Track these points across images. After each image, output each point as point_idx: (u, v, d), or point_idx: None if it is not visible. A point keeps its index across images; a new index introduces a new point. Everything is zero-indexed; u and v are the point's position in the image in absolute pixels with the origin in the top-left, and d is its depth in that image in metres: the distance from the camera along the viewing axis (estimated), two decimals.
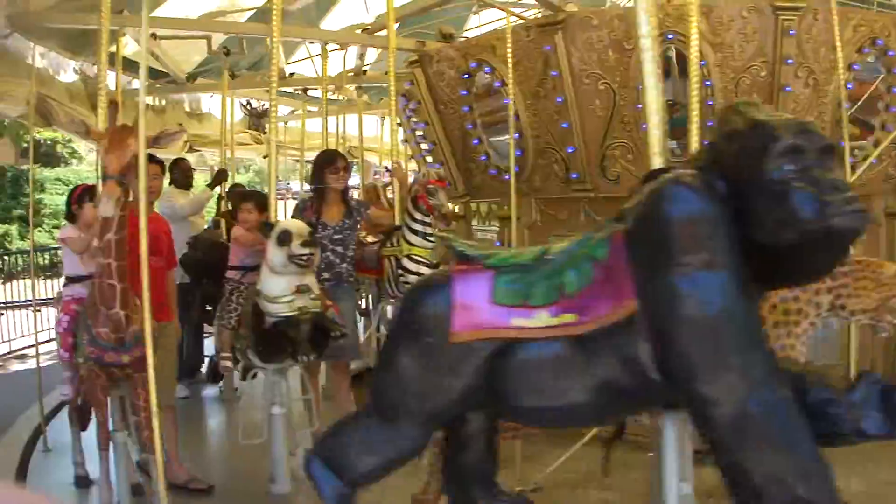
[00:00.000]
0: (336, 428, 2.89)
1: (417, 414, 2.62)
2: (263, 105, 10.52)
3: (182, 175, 6.70)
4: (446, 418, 2.71)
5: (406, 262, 5.14)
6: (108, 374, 3.65)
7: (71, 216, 4.38)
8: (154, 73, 8.42)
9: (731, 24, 4.69)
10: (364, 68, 8.51)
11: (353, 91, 9.76)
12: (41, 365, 6.07)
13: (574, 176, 5.23)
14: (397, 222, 5.43)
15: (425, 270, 4.91)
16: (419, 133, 6.49)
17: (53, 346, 8.37)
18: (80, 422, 4.50)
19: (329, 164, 4.89)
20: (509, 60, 4.98)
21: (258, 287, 4.16)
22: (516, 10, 6.80)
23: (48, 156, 22.71)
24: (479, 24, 9.04)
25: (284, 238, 3.98)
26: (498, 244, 5.62)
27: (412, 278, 4.95)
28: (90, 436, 4.30)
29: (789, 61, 4.70)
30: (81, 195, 4.30)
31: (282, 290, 4.02)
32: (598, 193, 5.18)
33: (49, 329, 9.25)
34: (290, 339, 4.00)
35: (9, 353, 9.36)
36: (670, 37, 4.65)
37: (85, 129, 4.08)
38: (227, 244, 5.47)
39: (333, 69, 8.73)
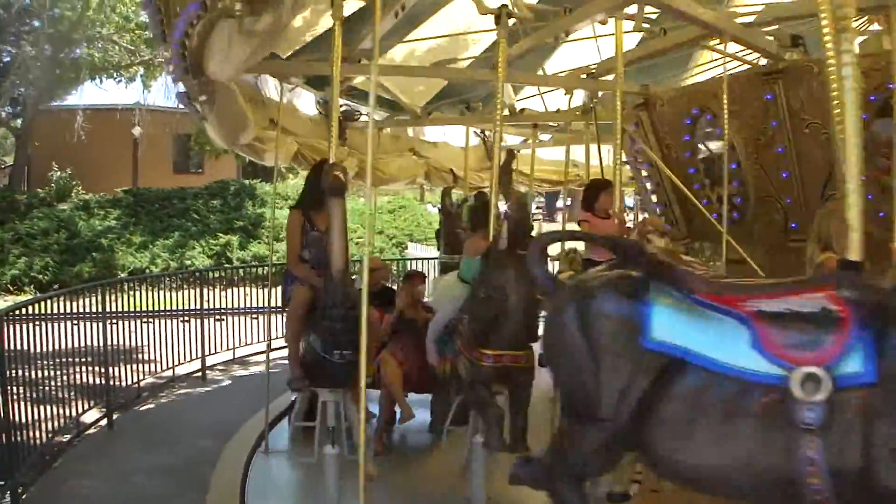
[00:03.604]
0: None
1: None
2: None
3: None
4: None
5: None
6: None
7: None
8: (392, 105, 9.26)
9: None
10: (591, 105, 8.94)
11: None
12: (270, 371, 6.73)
13: (794, 226, 5.24)
14: None
15: None
16: (644, 173, 6.76)
17: (280, 353, 9.58)
18: None
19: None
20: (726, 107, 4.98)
21: None
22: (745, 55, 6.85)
23: (268, 171, 25.24)
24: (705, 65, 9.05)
25: None
26: None
27: None
28: None
29: None
30: None
31: None
32: None
33: (275, 338, 10.48)
34: None
35: (233, 359, 10.52)
36: (892, 86, 4.40)
37: None
38: None
39: (561, 103, 9.27)
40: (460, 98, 9.47)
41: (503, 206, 5.49)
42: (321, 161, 5.46)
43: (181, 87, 5.76)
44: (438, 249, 10.87)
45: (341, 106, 8.47)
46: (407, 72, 8.15)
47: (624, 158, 9.70)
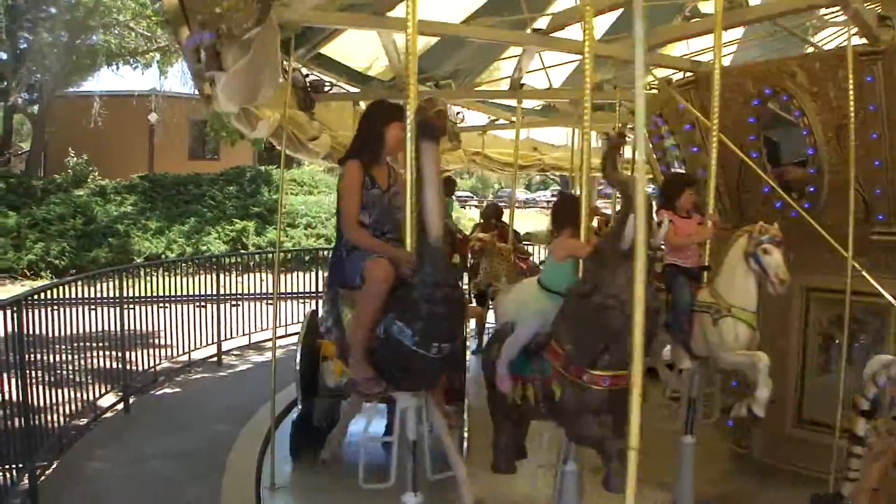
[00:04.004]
0: None
1: None
2: (458, 113, 10.61)
3: None
4: None
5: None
6: None
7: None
8: (363, 78, 8.50)
9: None
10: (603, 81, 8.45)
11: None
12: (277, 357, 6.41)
13: (881, 218, 5.05)
14: None
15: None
16: (676, 157, 6.50)
17: (289, 340, 9.63)
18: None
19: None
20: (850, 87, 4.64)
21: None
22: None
23: (286, 158, 25.24)
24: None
25: None
26: None
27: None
28: None
29: None
30: None
31: None
32: None
33: (290, 324, 10.51)
34: None
35: (248, 344, 10.58)
36: None
37: None
38: None
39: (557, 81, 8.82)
40: (427, 75, 8.61)
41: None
42: (378, 101, 4.51)
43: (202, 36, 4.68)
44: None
45: (306, 75, 7.68)
46: (480, 34, 6.79)
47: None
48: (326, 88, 7.80)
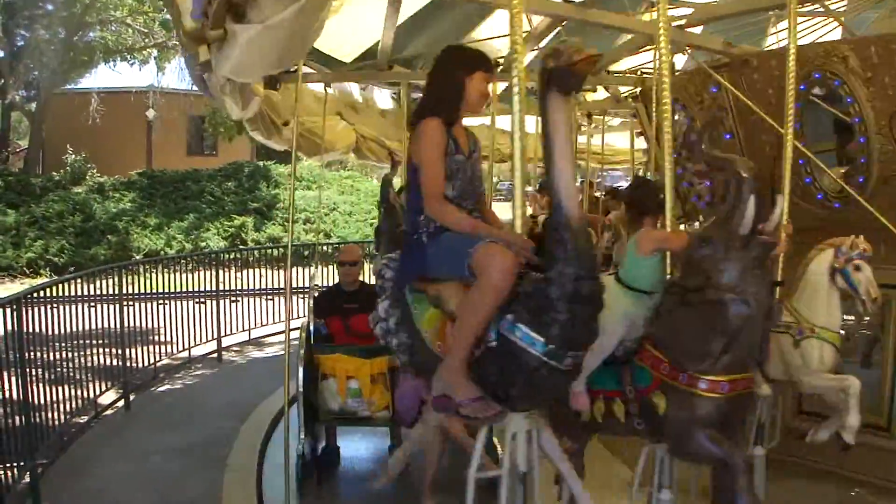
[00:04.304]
0: None
1: None
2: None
3: None
4: None
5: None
6: None
7: None
8: (326, 60, 7.63)
9: None
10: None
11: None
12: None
13: None
14: None
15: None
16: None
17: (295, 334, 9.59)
18: None
19: None
20: None
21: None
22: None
23: (284, 153, 25.23)
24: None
25: None
26: None
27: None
28: None
29: None
30: None
31: None
32: None
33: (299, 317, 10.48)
34: None
35: (248, 340, 10.59)
36: None
37: None
38: None
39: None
40: (391, 59, 7.71)
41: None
42: (455, 46, 3.61)
43: None
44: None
45: None
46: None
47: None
48: (293, 69, 6.91)
